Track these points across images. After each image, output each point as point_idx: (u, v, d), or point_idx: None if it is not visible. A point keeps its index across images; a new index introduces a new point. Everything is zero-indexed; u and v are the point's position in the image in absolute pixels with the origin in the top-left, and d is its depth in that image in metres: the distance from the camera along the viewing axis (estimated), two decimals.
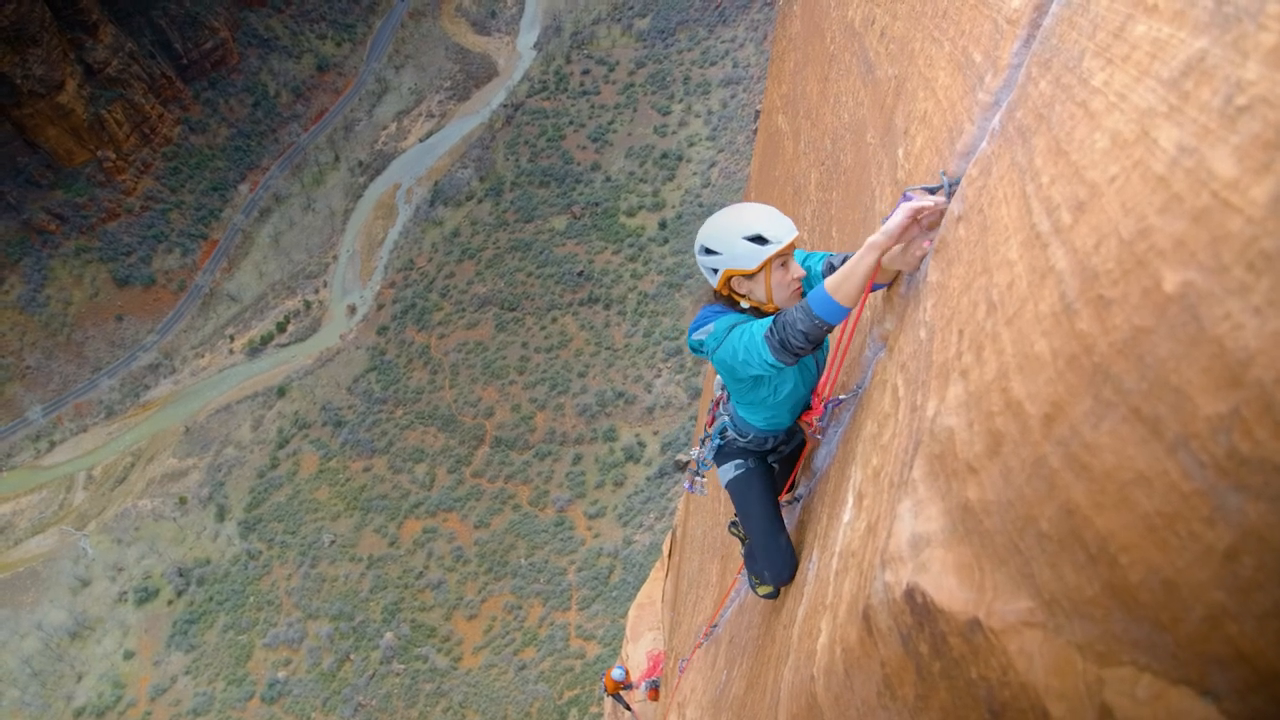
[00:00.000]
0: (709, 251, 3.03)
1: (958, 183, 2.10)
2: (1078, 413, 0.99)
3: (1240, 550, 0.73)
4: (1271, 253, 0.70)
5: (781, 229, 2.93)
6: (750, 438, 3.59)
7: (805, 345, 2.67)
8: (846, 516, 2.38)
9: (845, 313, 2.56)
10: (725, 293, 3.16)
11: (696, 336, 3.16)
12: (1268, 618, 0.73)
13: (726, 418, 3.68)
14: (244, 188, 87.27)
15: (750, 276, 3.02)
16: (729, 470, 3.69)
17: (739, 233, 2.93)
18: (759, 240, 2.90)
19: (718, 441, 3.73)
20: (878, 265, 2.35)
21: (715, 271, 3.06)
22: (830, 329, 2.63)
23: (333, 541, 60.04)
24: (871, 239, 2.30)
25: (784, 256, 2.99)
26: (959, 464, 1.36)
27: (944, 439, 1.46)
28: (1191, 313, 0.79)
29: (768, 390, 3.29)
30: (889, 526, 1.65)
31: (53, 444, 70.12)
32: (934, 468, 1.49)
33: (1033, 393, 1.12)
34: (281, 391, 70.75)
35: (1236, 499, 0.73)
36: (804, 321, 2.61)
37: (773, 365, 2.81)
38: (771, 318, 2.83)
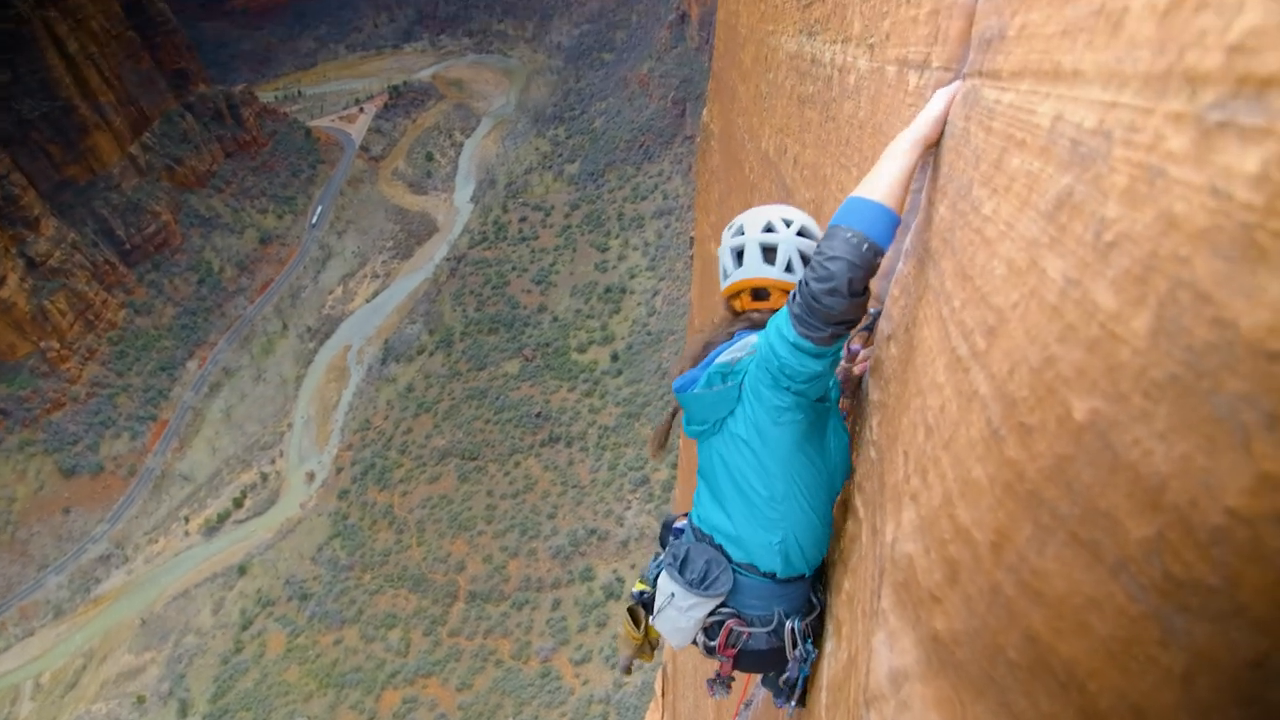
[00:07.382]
0: (780, 228, 2.32)
1: (878, 314, 2.17)
2: (1021, 539, 0.99)
3: (1195, 672, 0.72)
4: (1163, 381, 0.72)
5: None
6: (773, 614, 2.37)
7: (847, 296, 1.74)
8: (829, 646, 2.33)
9: (895, 222, 1.75)
10: (742, 307, 2.43)
11: (723, 359, 2.22)
12: None
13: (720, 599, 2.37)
14: (192, 365, 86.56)
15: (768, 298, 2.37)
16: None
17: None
18: None
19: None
20: (917, 165, 1.78)
21: (739, 258, 2.36)
22: (881, 256, 1.76)
23: None
24: (910, 134, 1.72)
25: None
26: (923, 592, 1.34)
27: (905, 566, 1.45)
28: (1104, 440, 0.81)
29: (819, 445, 2.20)
30: (867, 660, 1.62)
31: None
32: (900, 596, 1.47)
33: (977, 519, 1.12)
34: (242, 570, 67.81)
35: (1182, 621, 0.73)
36: (841, 249, 1.73)
37: (802, 352, 1.89)
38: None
